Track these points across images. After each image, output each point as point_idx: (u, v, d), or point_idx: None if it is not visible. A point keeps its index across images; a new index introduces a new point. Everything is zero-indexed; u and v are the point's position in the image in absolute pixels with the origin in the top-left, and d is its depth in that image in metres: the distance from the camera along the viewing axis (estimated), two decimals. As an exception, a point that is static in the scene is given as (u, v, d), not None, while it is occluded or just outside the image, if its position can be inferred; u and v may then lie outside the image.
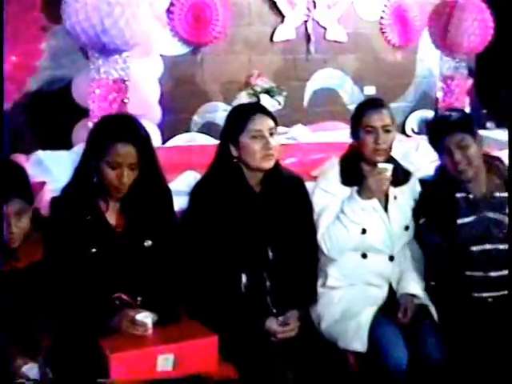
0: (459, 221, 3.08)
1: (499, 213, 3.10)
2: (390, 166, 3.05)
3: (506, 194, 3.13)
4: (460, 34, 4.42)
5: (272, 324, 2.84)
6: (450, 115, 3.20)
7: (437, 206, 3.14)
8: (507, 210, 3.10)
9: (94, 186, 2.76)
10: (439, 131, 3.15)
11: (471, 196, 3.12)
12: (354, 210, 3.04)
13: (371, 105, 3.21)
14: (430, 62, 7.57)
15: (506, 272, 3.05)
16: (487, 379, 2.94)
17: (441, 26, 4.48)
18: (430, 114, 7.13)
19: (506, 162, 3.27)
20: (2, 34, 4.05)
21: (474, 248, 3.07)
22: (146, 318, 2.64)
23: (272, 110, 3.20)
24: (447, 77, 4.71)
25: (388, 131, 3.14)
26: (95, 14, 4.34)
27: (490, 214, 3.10)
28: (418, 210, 3.20)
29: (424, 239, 3.20)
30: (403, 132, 7.30)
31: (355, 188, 3.08)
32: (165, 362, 2.55)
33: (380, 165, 3.06)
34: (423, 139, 5.27)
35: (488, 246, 3.07)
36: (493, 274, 3.06)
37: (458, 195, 3.13)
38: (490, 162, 3.22)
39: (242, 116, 2.99)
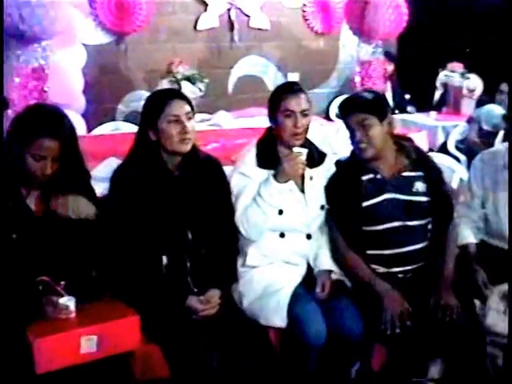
0: (366, 203, 3.19)
1: (407, 191, 3.22)
2: (304, 150, 3.13)
3: (414, 174, 3.25)
4: (376, 20, 4.55)
5: (193, 302, 2.91)
6: (356, 96, 3.31)
7: (344, 188, 3.23)
8: (422, 189, 3.23)
9: (16, 174, 2.78)
10: (345, 110, 3.24)
11: (379, 176, 3.22)
12: (270, 193, 3.10)
13: (289, 89, 3.25)
14: (352, 48, 7.74)
15: (416, 246, 3.20)
16: (403, 352, 3.08)
17: (358, 12, 4.61)
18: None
19: (422, 141, 3.40)
20: (1, 34, 4.04)
21: (382, 227, 3.18)
22: (68, 301, 2.67)
23: (193, 97, 3.27)
24: (364, 62, 4.83)
25: (306, 115, 3.21)
26: (13, 2, 4.30)
27: (398, 194, 3.20)
28: (327, 191, 3.30)
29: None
30: (327, 117, 7.45)
31: (272, 171, 3.14)
32: (88, 344, 2.60)
33: (295, 149, 3.13)
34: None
35: (396, 224, 3.18)
36: (403, 249, 3.19)
37: (365, 177, 3.22)
38: (400, 142, 3.32)
39: (159, 101, 3.04)
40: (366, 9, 4.56)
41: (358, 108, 3.17)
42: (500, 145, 3.73)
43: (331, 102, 7.80)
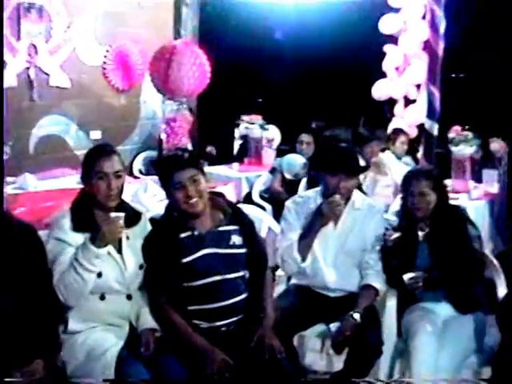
0: (185, 259, 3.23)
1: (225, 245, 3.31)
2: (121, 214, 3.14)
3: (230, 228, 3.35)
4: (180, 78, 4.65)
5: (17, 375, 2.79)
6: (182, 153, 3.36)
7: (162, 246, 3.26)
8: (239, 242, 3.33)
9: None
10: (171, 168, 3.28)
11: (196, 232, 3.28)
12: (88, 259, 3.06)
13: (102, 151, 3.29)
14: (153, 104, 7.85)
15: (237, 299, 3.28)
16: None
17: (162, 70, 4.68)
18: (155, 154, 7.38)
19: (230, 194, 3.52)
20: (1, 34, 3.81)
21: (202, 282, 3.23)
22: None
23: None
24: (170, 119, 4.91)
25: (119, 176, 3.24)
26: None
27: (216, 248, 3.28)
28: (145, 250, 3.31)
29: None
30: (131, 173, 7.45)
31: (88, 235, 3.12)
32: None
33: (112, 214, 3.14)
34: (151, 179, 5.46)
35: (216, 278, 3.25)
36: (224, 303, 3.25)
37: (183, 234, 3.27)
38: (214, 198, 3.42)
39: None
40: (170, 67, 4.64)
41: (187, 164, 3.24)
42: (310, 191, 3.95)
43: (134, 158, 7.83)
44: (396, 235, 3.75)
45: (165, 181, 3.32)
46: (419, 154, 6.32)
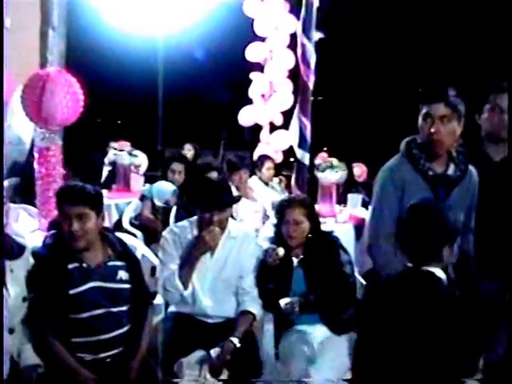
0: (72, 291, 3.25)
1: (112, 280, 3.36)
2: None
3: (118, 263, 3.41)
4: (53, 107, 4.60)
5: None
6: (75, 187, 3.36)
7: (49, 276, 3.27)
8: (125, 278, 3.40)
9: None
10: (62, 199, 3.32)
11: (85, 265, 3.32)
12: None
13: None
14: (18, 129, 7.66)
15: (120, 331, 3.34)
16: None
17: (35, 99, 4.61)
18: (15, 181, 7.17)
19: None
20: (1, 34, 3.67)
21: (87, 314, 3.27)
22: None
23: None
24: (43, 148, 4.83)
25: None
26: None
27: (103, 282, 3.33)
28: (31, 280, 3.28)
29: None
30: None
31: None
32: None
33: None
34: (21, 208, 5.35)
35: (101, 311, 3.29)
36: (109, 335, 3.31)
37: (72, 265, 3.30)
38: (103, 232, 3.46)
39: None
40: (43, 95, 4.58)
41: (79, 200, 3.27)
42: (185, 221, 4.03)
43: (-2, 185, 7.58)
44: (281, 251, 3.90)
45: (58, 210, 3.35)
46: (292, 182, 6.54)
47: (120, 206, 7.14)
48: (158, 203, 6.61)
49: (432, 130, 3.50)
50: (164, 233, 4.04)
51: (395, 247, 3.36)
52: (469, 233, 3.68)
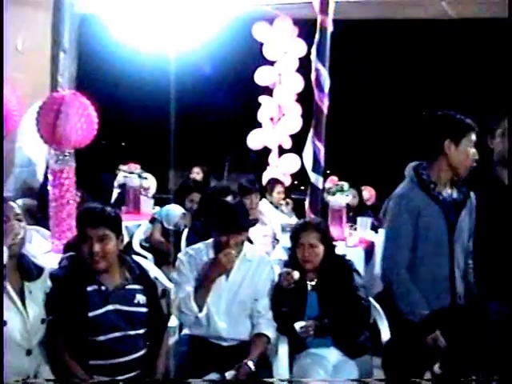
0: (91, 313, 3.27)
1: (129, 303, 3.38)
2: None
3: (136, 287, 3.43)
4: (68, 129, 4.63)
5: None
6: (97, 209, 3.39)
7: (68, 298, 3.28)
8: (143, 301, 3.41)
9: None
10: (83, 221, 3.36)
11: (103, 288, 3.34)
12: None
13: None
14: (29, 151, 7.70)
15: (137, 355, 3.35)
16: None
17: (50, 121, 4.65)
18: (31, 202, 7.20)
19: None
20: (1, 34, 3.77)
21: (105, 337, 3.28)
22: None
23: None
24: (56, 170, 4.86)
25: None
26: None
27: (121, 305, 3.35)
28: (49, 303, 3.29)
29: None
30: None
31: None
32: None
33: None
34: (34, 229, 5.36)
35: (118, 334, 3.31)
36: (125, 358, 3.32)
37: (90, 288, 3.32)
38: (122, 256, 3.49)
39: None
40: (58, 118, 4.62)
41: (99, 222, 3.30)
42: (200, 244, 4.04)
43: (10, 207, 7.58)
44: (296, 275, 3.90)
45: (78, 231, 3.39)
46: (306, 206, 6.54)
47: (130, 228, 7.14)
48: (168, 226, 6.62)
49: (476, 156, 3.59)
50: (180, 255, 4.06)
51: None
52: (469, 256, 3.69)
